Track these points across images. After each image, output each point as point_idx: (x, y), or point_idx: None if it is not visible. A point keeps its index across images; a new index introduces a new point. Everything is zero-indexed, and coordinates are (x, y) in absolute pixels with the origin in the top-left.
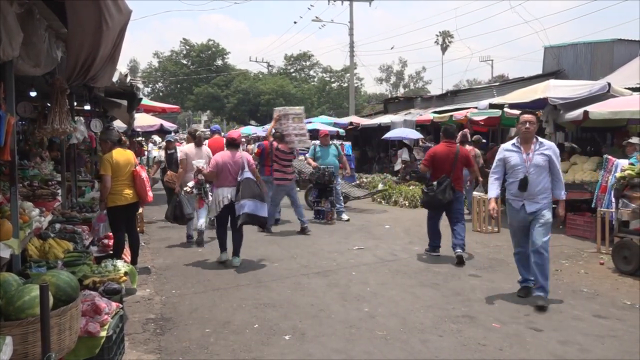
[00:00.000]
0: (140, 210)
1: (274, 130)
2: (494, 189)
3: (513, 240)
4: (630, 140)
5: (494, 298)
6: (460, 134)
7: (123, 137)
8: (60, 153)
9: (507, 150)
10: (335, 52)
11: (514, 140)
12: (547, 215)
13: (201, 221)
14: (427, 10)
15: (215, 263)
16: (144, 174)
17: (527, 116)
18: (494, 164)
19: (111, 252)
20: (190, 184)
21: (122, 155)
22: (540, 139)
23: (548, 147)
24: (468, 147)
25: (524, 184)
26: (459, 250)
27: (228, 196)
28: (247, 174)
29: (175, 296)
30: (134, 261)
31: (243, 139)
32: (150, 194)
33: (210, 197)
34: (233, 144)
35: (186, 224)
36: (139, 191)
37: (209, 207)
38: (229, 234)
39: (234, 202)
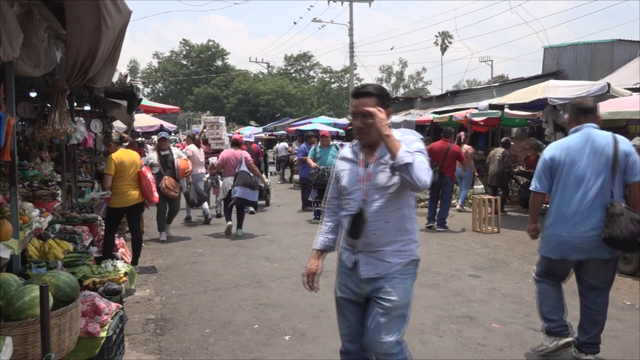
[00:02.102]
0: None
1: (204, 135)
2: (318, 237)
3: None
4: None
5: (494, 298)
6: (457, 136)
7: (125, 136)
8: (60, 154)
9: (340, 160)
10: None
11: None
12: (399, 293)
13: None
14: (426, 11)
15: (215, 263)
16: (149, 175)
17: (357, 100)
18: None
19: (112, 253)
20: (207, 175)
21: (127, 155)
22: (397, 131)
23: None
24: (466, 147)
25: (355, 224)
26: (434, 224)
27: (231, 183)
28: (243, 167)
29: (175, 297)
30: (134, 261)
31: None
32: (156, 194)
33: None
34: (236, 143)
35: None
36: (144, 192)
37: (219, 191)
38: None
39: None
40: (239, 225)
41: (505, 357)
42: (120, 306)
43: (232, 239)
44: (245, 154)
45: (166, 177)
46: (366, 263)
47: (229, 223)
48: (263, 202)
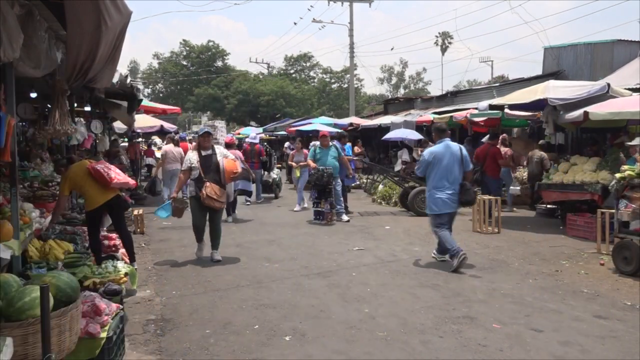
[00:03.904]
0: (141, 211)
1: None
2: None
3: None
4: (630, 143)
5: (494, 299)
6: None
7: (74, 156)
8: (60, 154)
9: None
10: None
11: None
12: None
13: None
14: (426, 11)
15: (216, 264)
16: (98, 166)
17: None
18: None
19: (112, 253)
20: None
21: (76, 168)
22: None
23: None
24: (504, 149)
25: None
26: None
27: None
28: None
29: (175, 297)
30: (132, 259)
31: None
32: (112, 175)
33: None
34: (228, 145)
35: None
36: (100, 182)
37: None
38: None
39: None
40: (233, 211)
41: (506, 357)
42: (121, 307)
43: (233, 239)
44: (237, 153)
45: (208, 183)
46: None
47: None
48: (272, 194)
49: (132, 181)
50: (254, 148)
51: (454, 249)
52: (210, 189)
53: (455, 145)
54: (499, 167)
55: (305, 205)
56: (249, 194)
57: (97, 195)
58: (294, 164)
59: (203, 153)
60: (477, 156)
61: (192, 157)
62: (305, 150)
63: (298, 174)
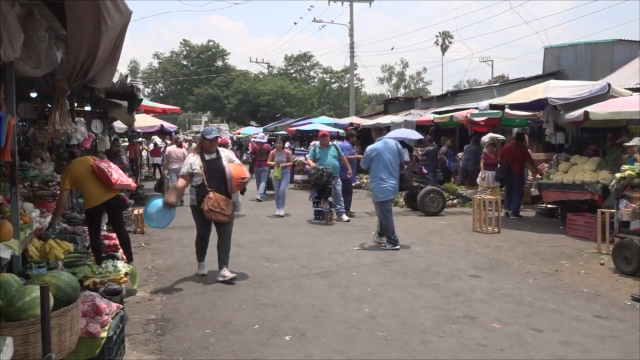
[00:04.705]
0: (141, 211)
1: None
2: None
3: None
4: (628, 143)
5: (494, 298)
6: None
7: (76, 151)
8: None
9: None
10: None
11: None
12: None
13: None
14: (426, 11)
15: (216, 263)
16: (102, 164)
17: None
18: None
19: (112, 253)
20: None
21: (78, 163)
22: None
23: None
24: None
25: None
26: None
27: None
28: (236, 162)
29: (175, 297)
30: (129, 258)
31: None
32: (115, 176)
33: None
34: (222, 145)
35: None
36: (103, 181)
37: None
38: None
39: None
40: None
41: (506, 357)
42: (121, 306)
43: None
44: (231, 154)
45: (211, 194)
46: None
47: None
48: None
49: (133, 184)
50: (262, 147)
51: (395, 238)
52: (213, 200)
53: (391, 142)
54: (524, 165)
55: (282, 214)
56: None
57: (98, 193)
58: (273, 162)
59: (207, 157)
60: (502, 155)
61: (194, 161)
62: (287, 150)
63: (278, 175)
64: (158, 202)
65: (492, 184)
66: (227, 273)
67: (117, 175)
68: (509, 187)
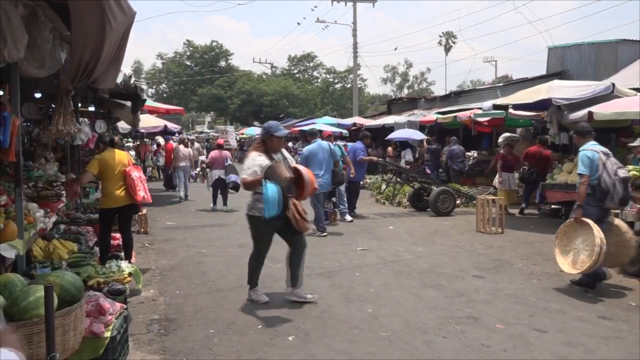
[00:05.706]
0: (145, 211)
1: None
2: None
3: None
4: (633, 144)
5: (498, 299)
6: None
7: (116, 138)
8: (64, 154)
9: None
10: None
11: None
12: None
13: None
14: (430, 11)
15: (219, 264)
16: (135, 174)
17: None
18: None
19: (116, 252)
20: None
21: (114, 155)
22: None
23: None
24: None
25: None
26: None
27: (218, 174)
28: (230, 162)
29: (179, 297)
30: (128, 260)
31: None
32: (141, 193)
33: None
34: (219, 147)
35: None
36: (129, 190)
37: (207, 181)
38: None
39: (222, 178)
40: (224, 203)
41: (509, 357)
42: (125, 306)
43: (236, 239)
44: (227, 153)
45: (293, 198)
46: None
47: (215, 204)
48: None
49: (150, 199)
50: None
51: (323, 226)
52: (299, 206)
53: (325, 143)
54: (547, 170)
55: None
56: (237, 185)
57: (117, 197)
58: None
59: (275, 158)
60: (526, 156)
61: (262, 162)
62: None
63: None
64: (274, 187)
65: (513, 187)
66: (305, 294)
67: (144, 192)
68: (530, 187)
